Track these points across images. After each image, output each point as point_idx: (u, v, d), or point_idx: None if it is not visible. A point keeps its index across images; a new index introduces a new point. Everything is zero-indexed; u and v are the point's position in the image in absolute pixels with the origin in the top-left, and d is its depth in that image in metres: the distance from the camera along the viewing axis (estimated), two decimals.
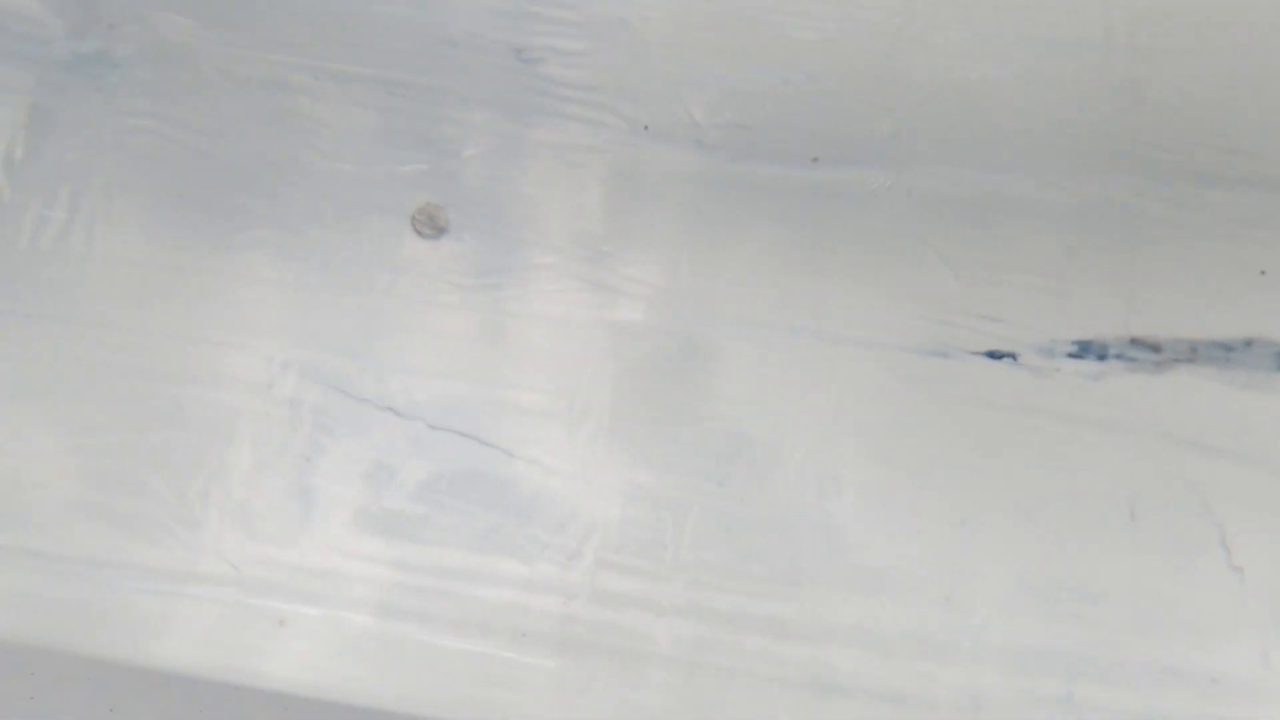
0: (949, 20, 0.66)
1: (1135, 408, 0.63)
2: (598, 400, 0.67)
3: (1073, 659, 0.60)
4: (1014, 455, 0.64)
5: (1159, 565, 0.60)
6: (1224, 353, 0.62)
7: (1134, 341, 0.64)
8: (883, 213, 0.68)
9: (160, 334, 0.67)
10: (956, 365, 0.67)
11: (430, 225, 0.65)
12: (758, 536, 0.65)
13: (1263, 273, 0.63)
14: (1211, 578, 0.59)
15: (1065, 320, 0.65)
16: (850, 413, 0.66)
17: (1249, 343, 0.62)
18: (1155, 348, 0.63)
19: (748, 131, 0.68)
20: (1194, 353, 0.63)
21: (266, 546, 0.63)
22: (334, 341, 0.67)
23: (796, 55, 0.67)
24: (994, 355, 0.66)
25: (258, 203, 0.69)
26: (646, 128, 0.68)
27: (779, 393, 0.67)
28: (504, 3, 0.68)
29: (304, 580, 0.62)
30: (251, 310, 0.67)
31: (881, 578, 0.63)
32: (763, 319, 0.68)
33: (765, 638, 0.62)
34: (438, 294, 0.68)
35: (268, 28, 0.69)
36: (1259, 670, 0.58)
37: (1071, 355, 0.65)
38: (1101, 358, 0.64)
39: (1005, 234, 0.67)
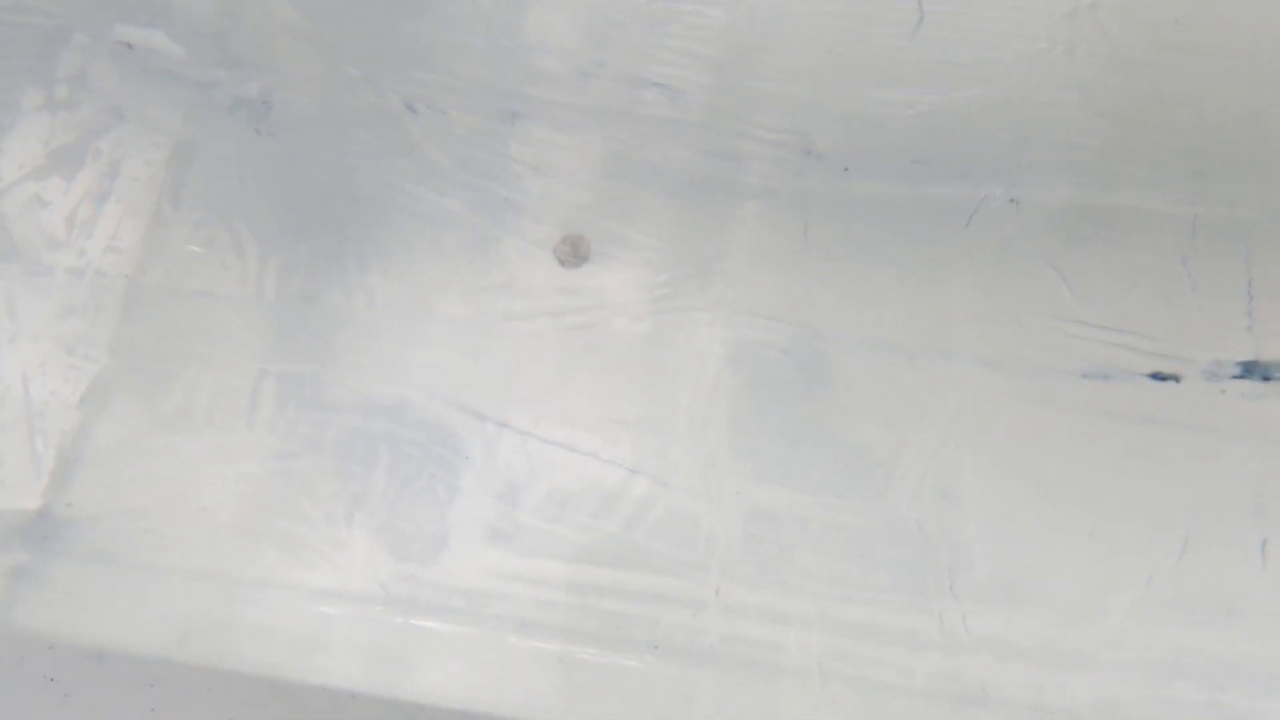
0: (1090, 41, 0.66)
1: (1266, 418, 0.63)
2: (716, 417, 0.69)
3: (1212, 666, 0.59)
4: (1142, 467, 0.64)
5: None
6: None
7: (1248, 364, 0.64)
8: (995, 229, 0.69)
9: (298, 364, 0.69)
10: (1073, 380, 0.67)
11: (574, 254, 0.67)
12: (881, 549, 0.66)
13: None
14: None
15: (1184, 336, 0.66)
16: (967, 428, 0.67)
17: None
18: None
19: (864, 151, 0.70)
20: None
21: (411, 565, 0.65)
22: (460, 367, 0.69)
23: (932, 80, 0.68)
24: (1100, 375, 0.66)
25: (384, 234, 0.71)
26: (774, 159, 0.70)
27: (898, 408, 0.68)
28: (622, 31, 0.69)
29: (447, 597, 0.64)
30: (383, 339, 0.70)
31: (1010, 588, 0.64)
32: (880, 335, 0.69)
33: (896, 648, 0.63)
34: (560, 317, 0.70)
35: (387, 60, 0.72)
36: None
37: (1207, 370, 0.65)
38: (1267, 378, 0.64)
39: (1121, 248, 0.68)
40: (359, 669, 0.62)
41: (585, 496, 0.67)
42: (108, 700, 0.61)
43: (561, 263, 0.67)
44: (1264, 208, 0.67)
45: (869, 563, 0.65)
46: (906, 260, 0.69)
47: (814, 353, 0.69)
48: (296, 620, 0.63)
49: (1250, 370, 0.65)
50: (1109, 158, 0.67)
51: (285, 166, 0.72)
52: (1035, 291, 0.68)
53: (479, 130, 0.72)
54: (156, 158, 0.71)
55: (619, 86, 0.70)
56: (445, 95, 0.72)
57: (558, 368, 0.69)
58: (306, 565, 0.64)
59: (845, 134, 0.70)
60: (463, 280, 0.70)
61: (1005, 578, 0.64)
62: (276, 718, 0.58)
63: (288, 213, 0.72)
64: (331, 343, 0.69)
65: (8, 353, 0.68)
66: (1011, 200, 0.69)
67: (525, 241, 0.71)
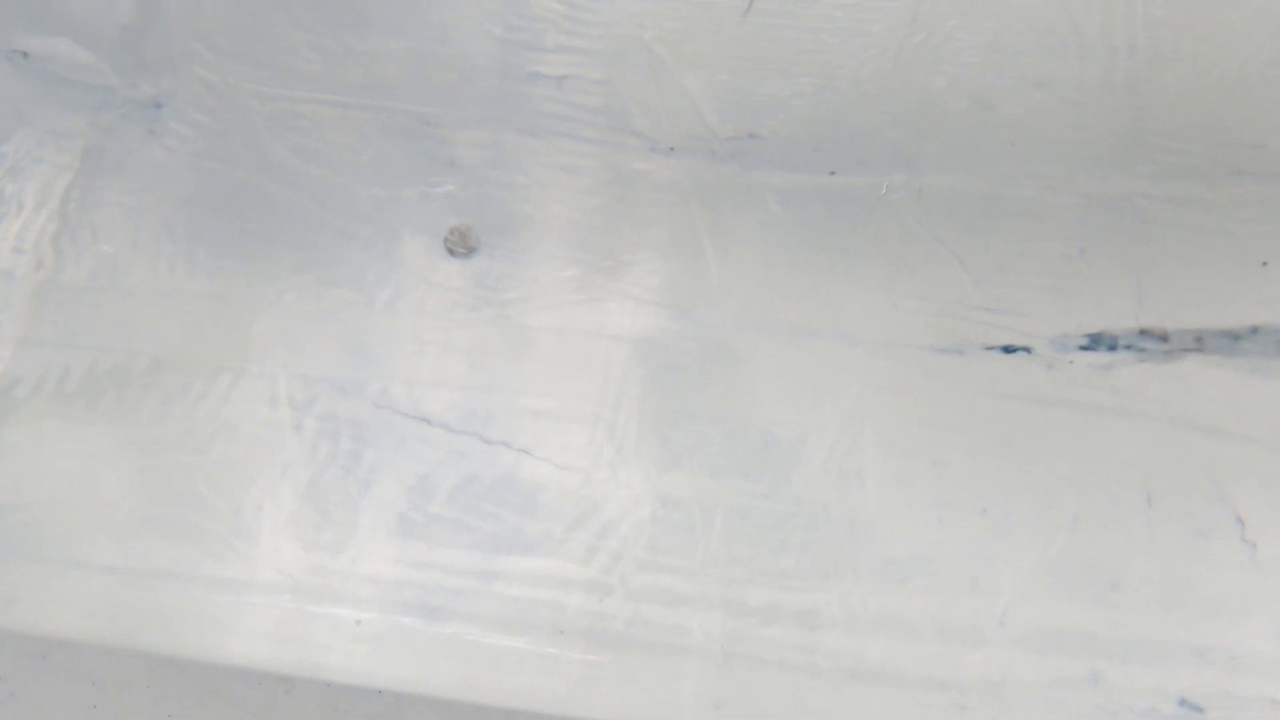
0: (954, 29, 0.68)
1: (1147, 396, 0.65)
2: (624, 405, 0.70)
3: (1096, 639, 0.61)
4: (1031, 445, 0.66)
5: (1176, 546, 0.62)
6: (1230, 341, 0.64)
7: (1143, 332, 0.66)
8: (896, 216, 0.71)
9: (208, 359, 0.70)
10: (972, 360, 0.69)
11: (462, 244, 0.68)
12: (785, 531, 0.67)
13: (1265, 264, 0.65)
14: (1227, 557, 0.61)
15: (1076, 314, 0.68)
16: (870, 409, 0.68)
17: (1255, 330, 0.64)
18: (1163, 337, 0.65)
19: (761, 141, 0.71)
20: (1201, 342, 0.64)
21: (318, 555, 0.66)
22: (370, 358, 0.71)
23: (806, 67, 0.69)
24: (1009, 349, 0.68)
25: (296, 231, 0.73)
26: (672, 149, 0.72)
27: (801, 392, 0.69)
28: (518, 33, 0.71)
29: (356, 586, 0.66)
30: (295, 332, 0.71)
31: (907, 567, 0.65)
32: (783, 322, 0.70)
33: (797, 628, 0.65)
34: (468, 309, 0.72)
35: (296, 66, 0.73)
36: (1277, 646, 0.59)
37: (1083, 348, 0.67)
38: (1112, 348, 0.66)
39: (1016, 233, 0.69)
40: (269, 653, 0.63)
41: (493, 486, 0.68)
42: (50, 696, 0.62)
43: (451, 252, 0.68)
44: (1149, 191, 0.68)
45: (773, 545, 0.67)
46: (809, 247, 0.71)
47: (720, 340, 0.71)
48: (205, 609, 0.64)
49: (1097, 342, 0.67)
50: (999, 147, 0.69)
51: (190, 167, 0.73)
52: (935, 277, 0.70)
53: (385, 128, 0.74)
54: (62, 161, 0.73)
55: (517, 85, 0.72)
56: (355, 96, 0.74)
57: (466, 357, 0.71)
58: (214, 556, 0.65)
59: (743, 125, 0.71)
60: (369, 272, 0.72)
61: (903, 557, 0.66)
62: (203, 704, 0.60)
63: (195, 211, 0.73)
64: (240, 337, 0.71)
65: None
66: (912, 188, 0.71)
67: (423, 234, 0.72)
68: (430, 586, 0.66)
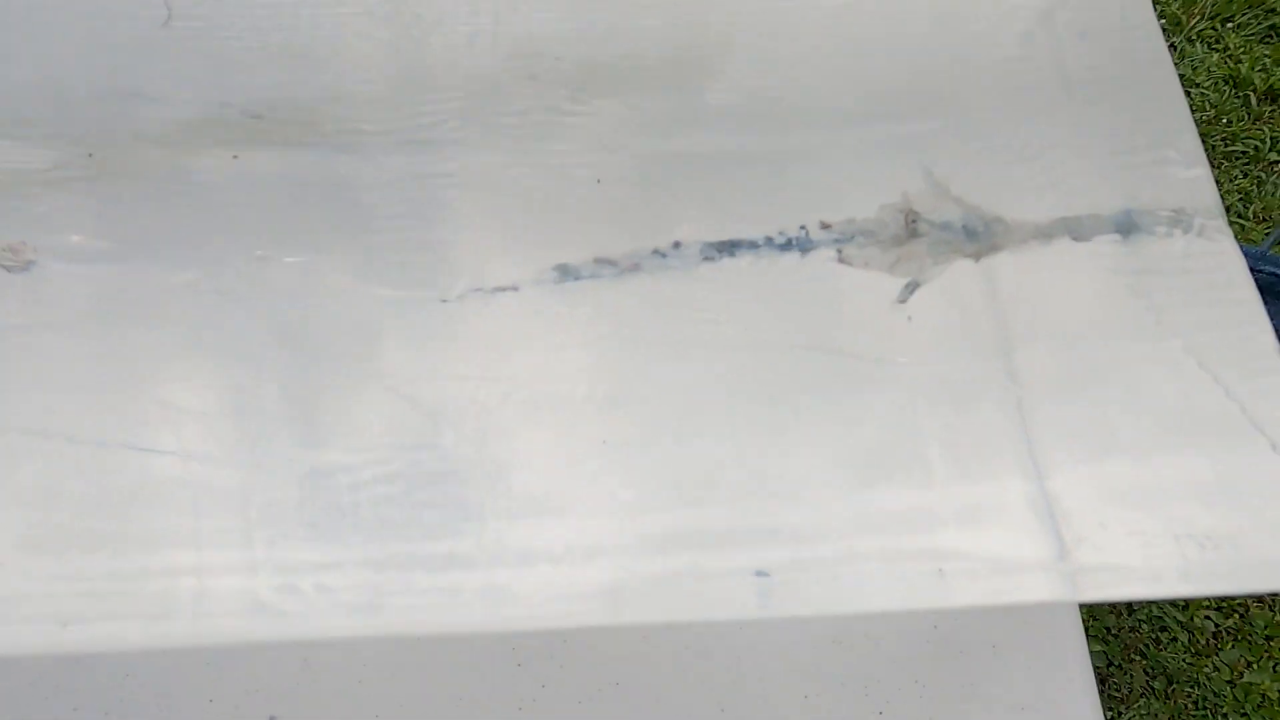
0: None
1: None
2: (267, 389, 0.73)
3: (707, 536, 0.70)
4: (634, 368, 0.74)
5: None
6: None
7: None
8: None
9: None
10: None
11: (15, 258, 0.69)
12: (432, 490, 0.73)
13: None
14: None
15: None
16: (486, 363, 0.75)
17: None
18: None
19: None
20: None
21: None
22: None
23: None
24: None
25: None
26: None
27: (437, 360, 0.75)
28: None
29: None
30: None
31: (540, 502, 0.73)
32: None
33: (444, 572, 0.70)
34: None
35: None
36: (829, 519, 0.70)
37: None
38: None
39: None
40: None
41: (122, 492, 0.70)
42: None
43: (6, 268, 0.69)
44: None
45: (419, 503, 0.72)
46: None
47: None
48: None
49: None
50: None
51: None
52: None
53: None
54: None
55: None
56: None
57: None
58: None
59: None
60: None
61: (535, 494, 0.73)
62: None
63: None
64: None
65: None
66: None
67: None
68: (64, 595, 0.66)
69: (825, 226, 0.73)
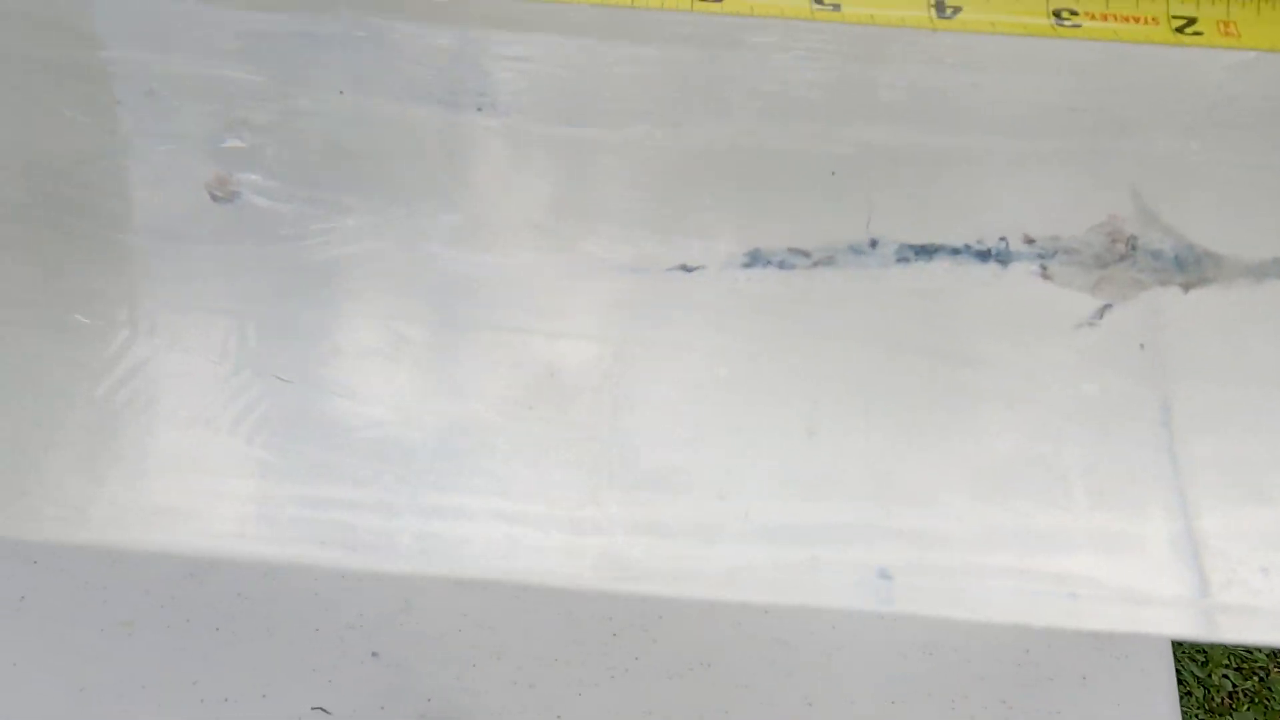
0: None
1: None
2: (414, 335, 0.76)
3: (814, 530, 0.72)
4: (773, 362, 0.76)
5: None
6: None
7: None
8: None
9: None
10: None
11: (222, 189, 0.73)
12: (562, 453, 0.75)
13: (833, 173, 0.76)
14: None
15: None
16: (624, 336, 0.77)
17: (874, 243, 0.75)
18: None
19: None
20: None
21: (110, 487, 0.70)
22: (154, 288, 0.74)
23: None
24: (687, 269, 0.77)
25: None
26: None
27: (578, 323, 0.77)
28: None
29: None
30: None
31: (665, 479, 0.75)
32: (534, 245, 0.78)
33: (564, 534, 0.73)
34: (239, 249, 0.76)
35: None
36: (959, 525, 0.71)
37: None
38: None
39: None
40: None
41: (287, 421, 0.73)
42: None
43: (214, 198, 0.73)
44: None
45: (549, 465, 0.75)
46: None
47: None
48: None
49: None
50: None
51: None
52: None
53: None
54: None
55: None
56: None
57: (246, 294, 0.75)
58: None
59: None
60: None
61: (662, 470, 0.75)
62: None
63: None
64: None
65: None
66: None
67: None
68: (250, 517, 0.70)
69: (1029, 241, 0.73)
